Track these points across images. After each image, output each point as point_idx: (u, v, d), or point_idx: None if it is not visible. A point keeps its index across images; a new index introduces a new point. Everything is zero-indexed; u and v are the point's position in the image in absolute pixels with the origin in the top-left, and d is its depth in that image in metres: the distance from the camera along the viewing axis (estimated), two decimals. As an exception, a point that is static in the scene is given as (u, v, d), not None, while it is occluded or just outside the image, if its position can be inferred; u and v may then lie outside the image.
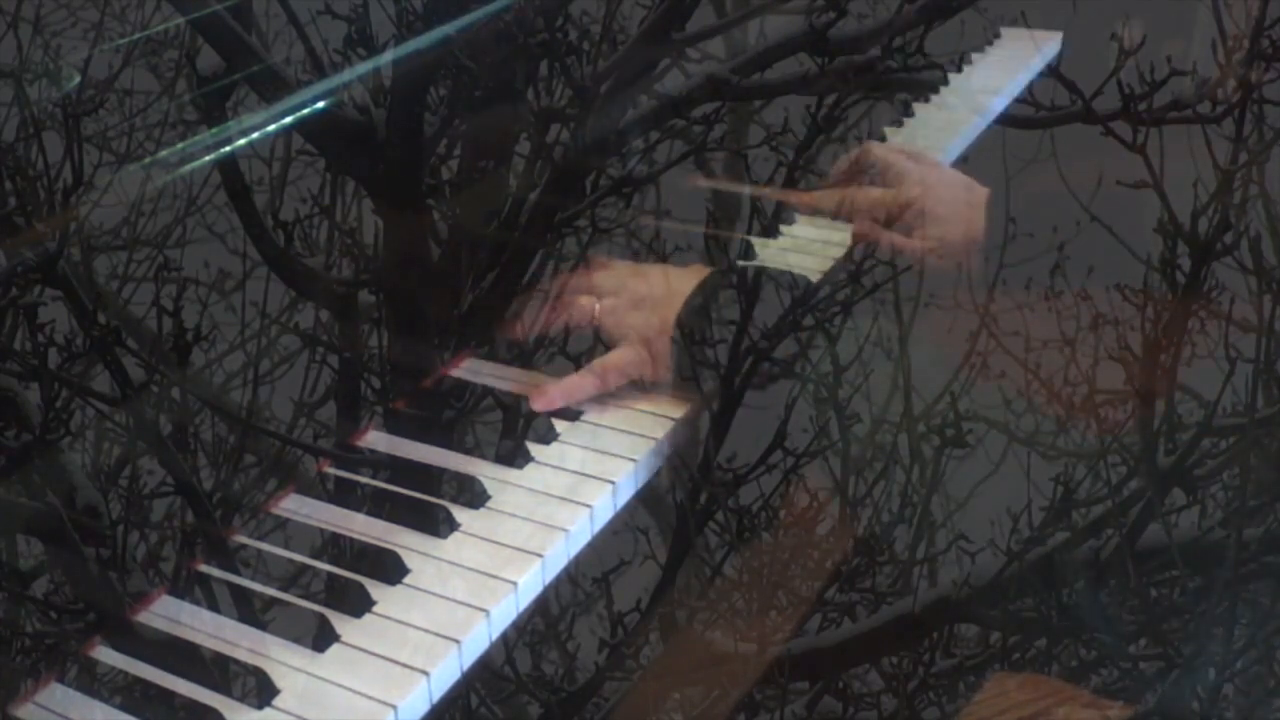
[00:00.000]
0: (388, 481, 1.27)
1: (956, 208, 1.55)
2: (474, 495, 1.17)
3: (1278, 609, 2.45)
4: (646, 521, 3.43)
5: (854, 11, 2.48)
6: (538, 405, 1.29)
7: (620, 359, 1.32)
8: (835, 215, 1.54)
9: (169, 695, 1.05)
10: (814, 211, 1.55)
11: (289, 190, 3.70)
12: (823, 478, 2.78)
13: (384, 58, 2.34)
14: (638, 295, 1.34)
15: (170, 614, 1.06)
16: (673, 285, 1.36)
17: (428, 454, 1.24)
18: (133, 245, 3.92)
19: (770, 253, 1.48)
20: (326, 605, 1.06)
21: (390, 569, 1.09)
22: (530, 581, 1.09)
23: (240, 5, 2.25)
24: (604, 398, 1.29)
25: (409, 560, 1.10)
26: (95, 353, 2.24)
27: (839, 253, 1.47)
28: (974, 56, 1.83)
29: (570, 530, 1.13)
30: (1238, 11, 2.33)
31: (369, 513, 1.16)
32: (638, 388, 1.32)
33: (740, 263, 1.47)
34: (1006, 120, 1.85)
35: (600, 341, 1.36)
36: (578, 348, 2.67)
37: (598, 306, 1.34)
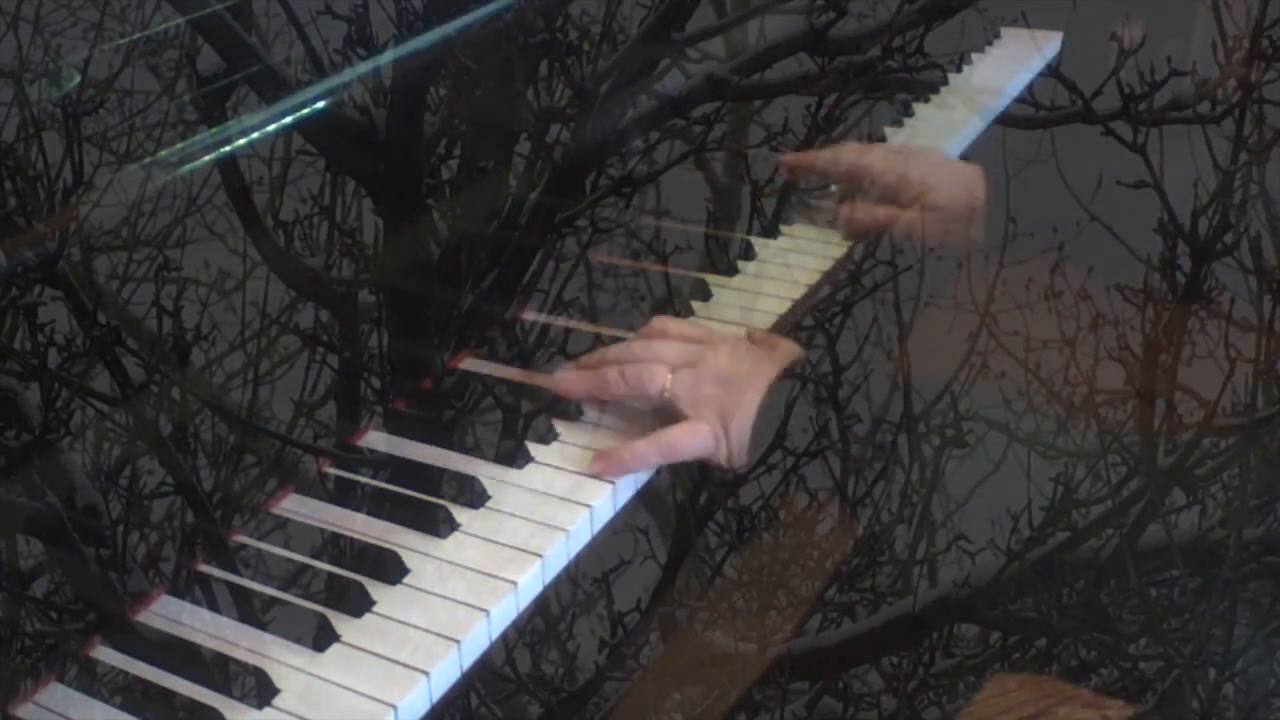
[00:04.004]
0: (388, 481, 1.27)
1: (950, 173, 1.52)
2: (474, 495, 1.17)
3: (1278, 609, 2.46)
4: (646, 521, 3.44)
5: (854, 11, 2.48)
6: (604, 472, 1.16)
7: (692, 436, 1.18)
8: (839, 175, 1.50)
9: (169, 695, 1.05)
10: (820, 168, 1.52)
11: (289, 190, 3.69)
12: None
13: (384, 58, 2.34)
14: (717, 370, 1.20)
15: (170, 614, 1.06)
16: (757, 365, 1.22)
17: (428, 454, 1.24)
18: (133, 245, 3.92)
19: (770, 252, 1.47)
20: (326, 605, 1.06)
21: (390, 569, 1.09)
22: (530, 581, 1.09)
23: (240, 5, 2.25)
24: (605, 397, 1.27)
25: (409, 560, 1.10)
26: (95, 353, 2.24)
27: (838, 253, 1.46)
28: (974, 56, 1.82)
29: (570, 530, 1.13)
30: (1238, 11, 2.34)
31: (369, 513, 1.16)
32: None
33: None
34: (1006, 120, 1.84)
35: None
36: (577, 347, 2.69)
37: (669, 377, 1.19)
